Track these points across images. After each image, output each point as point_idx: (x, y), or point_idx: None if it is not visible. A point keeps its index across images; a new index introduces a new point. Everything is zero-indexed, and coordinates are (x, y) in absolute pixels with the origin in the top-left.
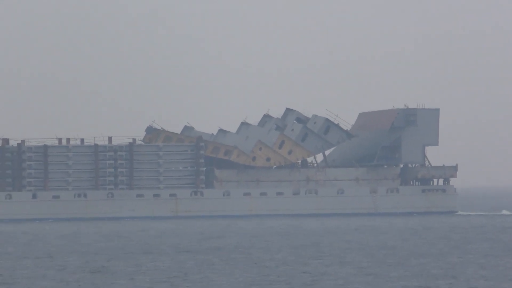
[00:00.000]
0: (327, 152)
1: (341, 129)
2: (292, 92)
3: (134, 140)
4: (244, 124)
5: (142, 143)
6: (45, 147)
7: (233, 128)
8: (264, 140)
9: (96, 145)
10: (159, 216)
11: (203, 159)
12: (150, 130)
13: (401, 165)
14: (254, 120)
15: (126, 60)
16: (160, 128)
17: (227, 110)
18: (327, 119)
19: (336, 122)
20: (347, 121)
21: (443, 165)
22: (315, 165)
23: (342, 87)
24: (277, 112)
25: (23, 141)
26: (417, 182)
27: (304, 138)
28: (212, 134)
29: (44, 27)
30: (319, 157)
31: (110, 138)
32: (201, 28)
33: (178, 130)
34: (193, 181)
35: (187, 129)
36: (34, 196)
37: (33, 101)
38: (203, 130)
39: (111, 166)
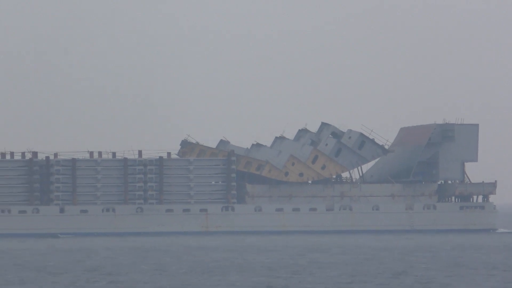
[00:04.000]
0: (365, 168)
1: (376, 144)
2: (335, 107)
3: (169, 154)
4: (278, 138)
5: (177, 157)
6: (74, 160)
7: (271, 142)
8: (298, 155)
9: (125, 159)
10: (189, 231)
11: (235, 173)
12: (184, 144)
13: (440, 182)
14: (293, 134)
15: (165, 73)
16: (195, 142)
17: (266, 124)
18: (361, 134)
19: (371, 137)
20: (390, 136)
21: (482, 181)
22: (353, 180)
23: (386, 101)
24: (315, 127)
25: (55, 154)
26: (455, 199)
27: (338, 153)
28: (247, 148)
29: (70, 36)
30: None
31: (140, 152)
32: (238, 40)
33: (215, 144)
34: (224, 196)
35: (222, 143)
36: (61, 210)
37: (65, 114)
38: (241, 145)
39: (140, 180)
